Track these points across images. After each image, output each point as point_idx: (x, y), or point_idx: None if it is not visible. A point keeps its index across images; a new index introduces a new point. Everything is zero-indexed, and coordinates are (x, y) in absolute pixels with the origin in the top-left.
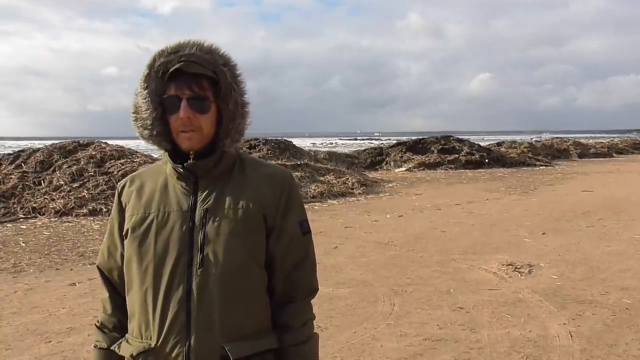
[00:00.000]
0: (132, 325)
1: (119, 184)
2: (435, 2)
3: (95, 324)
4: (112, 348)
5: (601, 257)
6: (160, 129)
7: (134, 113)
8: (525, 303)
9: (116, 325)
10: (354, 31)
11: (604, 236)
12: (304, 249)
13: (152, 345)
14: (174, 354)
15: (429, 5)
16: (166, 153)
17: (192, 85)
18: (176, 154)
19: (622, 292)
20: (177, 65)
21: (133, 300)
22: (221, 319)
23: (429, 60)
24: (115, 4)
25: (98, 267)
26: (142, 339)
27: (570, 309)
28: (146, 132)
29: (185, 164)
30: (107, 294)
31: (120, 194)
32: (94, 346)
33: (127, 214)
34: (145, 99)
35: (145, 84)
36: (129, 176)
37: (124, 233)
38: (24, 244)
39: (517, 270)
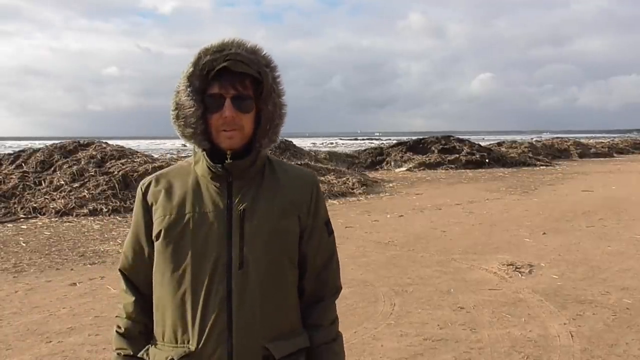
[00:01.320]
0: (163, 330)
1: (141, 183)
2: (436, 2)
3: (116, 331)
4: (139, 355)
5: (602, 257)
6: (203, 128)
7: (174, 111)
8: (525, 303)
9: (142, 330)
10: (355, 31)
11: (605, 236)
12: (331, 249)
13: (193, 349)
14: (216, 356)
15: (429, 4)
16: (204, 152)
17: (236, 84)
18: (210, 154)
19: (623, 292)
20: (224, 64)
21: (165, 304)
22: (262, 318)
23: (430, 60)
24: (115, 4)
25: (121, 271)
26: (177, 343)
27: (571, 309)
28: (189, 130)
29: (223, 164)
30: (132, 298)
31: (145, 194)
32: (117, 354)
33: (157, 215)
34: (189, 96)
35: (189, 82)
36: (151, 176)
37: (154, 235)
38: (24, 244)
39: (517, 270)
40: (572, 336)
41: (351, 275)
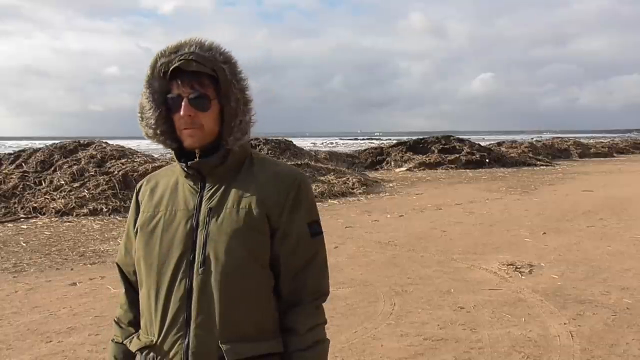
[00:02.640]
0: (142, 321)
1: (138, 183)
2: (438, 1)
3: (114, 319)
4: (123, 342)
5: (602, 257)
6: (165, 128)
7: (139, 113)
8: (525, 303)
9: (131, 320)
10: (356, 31)
11: (605, 236)
12: (312, 251)
13: (154, 342)
14: (172, 352)
15: (430, 4)
16: (172, 152)
17: (192, 83)
18: (185, 153)
19: (623, 292)
20: (176, 64)
21: (142, 297)
22: (221, 318)
23: (431, 59)
24: (116, 3)
25: (117, 264)
26: (147, 335)
27: (571, 309)
28: (150, 131)
29: (189, 162)
30: (123, 290)
31: (137, 193)
32: (112, 340)
33: (140, 213)
34: (148, 98)
35: (148, 84)
36: (147, 176)
37: (135, 231)
38: (24, 244)
39: (517, 270)
40: (572, 336)
41: (351, 275)
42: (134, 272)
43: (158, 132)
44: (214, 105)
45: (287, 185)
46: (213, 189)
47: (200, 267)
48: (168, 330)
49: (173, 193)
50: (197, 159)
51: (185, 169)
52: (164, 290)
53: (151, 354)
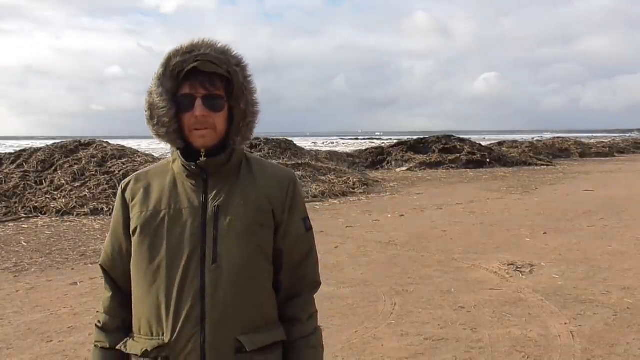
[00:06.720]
0: (139, 323)
1: (122, 182)
2: (442, 0)
3: (96, 324)
4: (117, 347)
5: (602, 257)
6: (176, 127)
7: (147, 111)
8: (526, 303)
9: (119, 325)
10: (359, 30)
11: (605, 236)
12: (309, 244)
13: (166, 341)
14: (189, 348)
15: (435, 3)
16: (178, 151)
17: (206, 84)
18: (186, 153)
19: (624, 292)
20: (193, 64)
21: (141, 298)
22: (235, 312)
23: (434, 59)
24: (117, 2)
25: (101, 266)
26: (152, 335)
27: (572, 309)
28: (163, 129)
29: (197, 162)
30: (110, 293)
31: (124, 191)
32: (95, 346)
33: (134, 212)
34: (161, 97)
35: (160, 83)
36: (132, 175)
37: (131, 230)
38: (25, 244)
39: (518, 269)
40: (572, 336)
41: (352, 275)
42: (123, 273)
43: (171, 130)
44: (225, 106)
45: (286, 183)
46: (218, 187)
47: (212, 263)
48: (183, 327)
49: (173, 191)
50: (203, 158)
51: (193, 167)
52: (175, 288)
53: (163, 354)
